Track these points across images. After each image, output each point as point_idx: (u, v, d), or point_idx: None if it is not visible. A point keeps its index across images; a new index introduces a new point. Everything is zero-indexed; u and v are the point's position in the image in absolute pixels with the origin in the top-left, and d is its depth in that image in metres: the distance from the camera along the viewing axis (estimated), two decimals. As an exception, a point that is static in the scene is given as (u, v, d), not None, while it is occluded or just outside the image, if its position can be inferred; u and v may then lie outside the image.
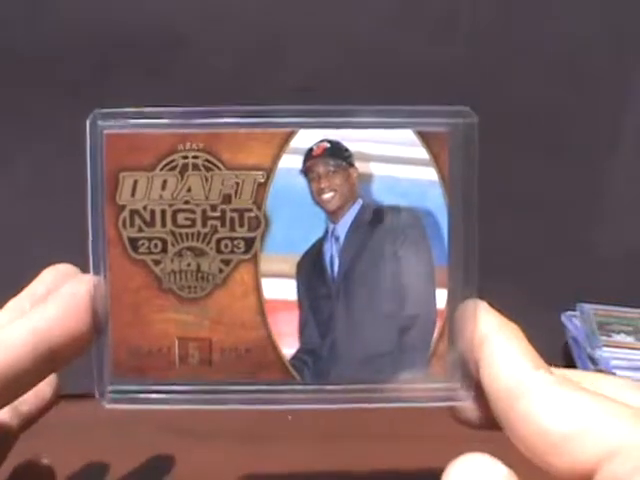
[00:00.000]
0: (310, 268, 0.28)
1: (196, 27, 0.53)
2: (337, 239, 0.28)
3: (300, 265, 0.28)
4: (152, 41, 0.52)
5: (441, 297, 0.28)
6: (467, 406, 0.28)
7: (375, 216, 0.28)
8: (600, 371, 0.49)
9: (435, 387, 0.28)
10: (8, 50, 0.52)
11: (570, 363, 0.53)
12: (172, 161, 0.28)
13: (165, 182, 0.28)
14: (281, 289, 0.28)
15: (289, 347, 0.28)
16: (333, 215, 0.28)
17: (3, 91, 0.52)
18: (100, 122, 0.27)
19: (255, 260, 0.28)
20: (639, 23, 0.55)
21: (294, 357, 0.28)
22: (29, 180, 0.54)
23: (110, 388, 0.28)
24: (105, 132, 0.27)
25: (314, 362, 0.28)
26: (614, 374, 0.48)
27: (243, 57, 0.53)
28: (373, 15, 0.54)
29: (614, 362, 0.49)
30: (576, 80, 0.56)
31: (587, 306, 0.55)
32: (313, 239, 0.28)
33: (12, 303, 0.29)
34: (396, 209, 0.28)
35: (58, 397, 0.33)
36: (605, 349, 0.50)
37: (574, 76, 0.56)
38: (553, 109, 0.56)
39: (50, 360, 0.26)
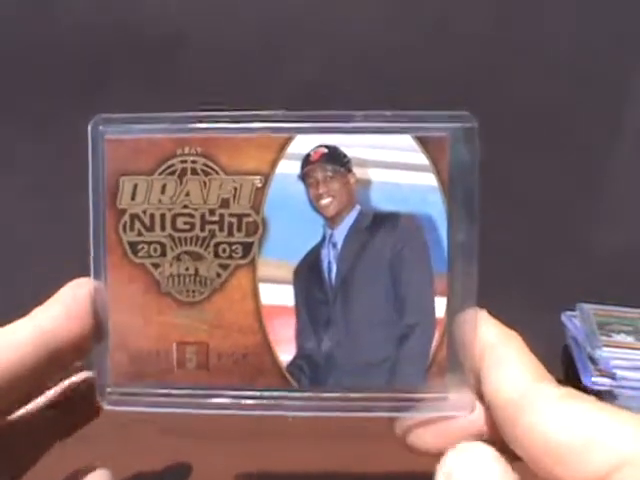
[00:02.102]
0: (307, 274, 0.28)
1: (196, 27, 0.53)
2: (335, 245, 0.28)
3: (298, 271, 0.28)
4: (152, 41, 0.52)
5: (440, 305, 0.27)
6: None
7: (373, 222, 0.28)
8: (600, 371, 0.49)
9: (434, 397, 0.27)
10: (8, 51, 0.52)
11: (570, 363, 0.53)
12: (171, 165, 0.28)
13: (164, 186, 0.28)
14: (278, 295, 0.28)
15: (286, 353, 0.28)
16: (331, 221, 0.28)
17: (3, 91, 0.52)
18: (101, 127, 0.28)
19: (253, 265, 0.28)
20: (639, 24, 0.55)
21: (291, 363, 0.28)
22: (30, 182, 0.54)
23: (110, 390, 0.28)
24: (106, 137, 0.28)
25: (311, 369, 0.28)
26: (614, 374, 0.48)
27: (243, 57, 0.53)
28: (373, 15, 0.54)
29: (614, 362, 0.49)
30: (576, 80, 0.56)
31: (587, 306, 0.55)
32: (311, 245, 0.28)
33: None
34: (395, 215, 0.27)
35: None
36: (605, 349, 0.50)
37: (574, 76, 0.56)
38: (553, 109, 0.56)
39: (54, 360, 0.26)
